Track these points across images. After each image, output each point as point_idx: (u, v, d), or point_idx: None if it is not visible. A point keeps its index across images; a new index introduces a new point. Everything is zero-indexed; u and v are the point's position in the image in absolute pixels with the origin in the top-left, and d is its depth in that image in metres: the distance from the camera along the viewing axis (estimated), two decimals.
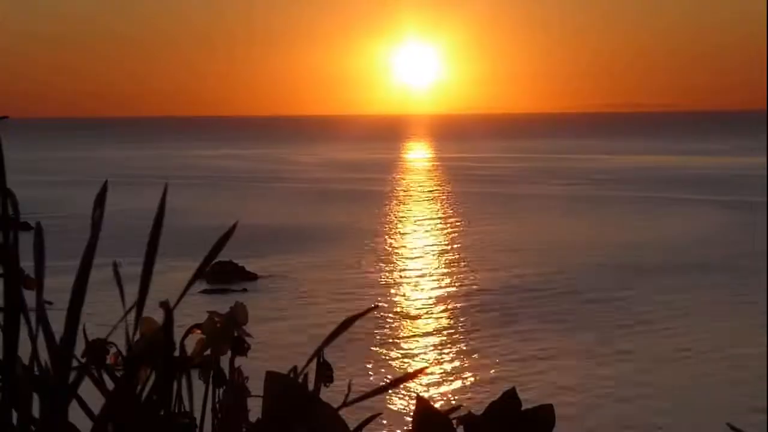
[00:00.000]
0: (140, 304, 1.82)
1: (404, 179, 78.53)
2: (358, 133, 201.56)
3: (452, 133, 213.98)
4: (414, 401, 2.32)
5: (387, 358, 22.69)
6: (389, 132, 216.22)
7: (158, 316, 1.96)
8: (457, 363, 22.42)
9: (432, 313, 27.57)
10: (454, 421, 2.36)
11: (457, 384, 20.89)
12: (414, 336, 25.05)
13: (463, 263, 35.83)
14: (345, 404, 2.05)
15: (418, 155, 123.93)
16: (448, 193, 66.38)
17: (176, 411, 2.09)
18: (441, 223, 49.09)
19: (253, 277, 32.10)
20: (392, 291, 30.57)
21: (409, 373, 1.87)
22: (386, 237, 43.01)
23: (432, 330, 25.72)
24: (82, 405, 1.89)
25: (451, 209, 55.34)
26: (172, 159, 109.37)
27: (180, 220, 43.46)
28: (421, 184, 73.92)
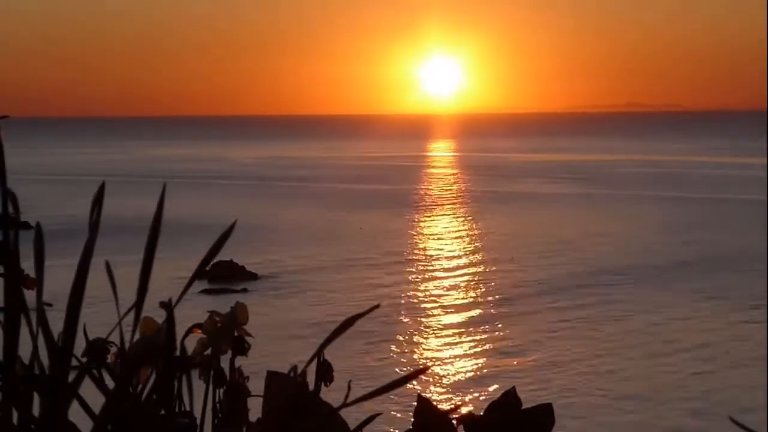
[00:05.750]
0: (139, 303, 1.81)
1: (407, 179, 78.49)
2: (385, 133, 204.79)
3: (460, 132, 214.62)
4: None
5: (386, 356, 22.69)
6: (410, 131, 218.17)
7: (158, 316, 1.95)
8: (457, 361, 22.44)
9: (432, 313, 27.57)
10: (454, 421, 2.36)
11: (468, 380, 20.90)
12: (414, 335, 25.06)
13: (466, 261, 35.84)
14: (345, 404, 2.05)
15: (429, 154, 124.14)
16: (450, 194, 66.39)
17: (176, 411, 2.09)
18: (442, 223, 49.10)
19: (253, 276, 32.07)
20: (393, 291, 30.54)
21: (410, 373, 1.86)
22: (387, 237, 42.98)
23: (432, 330, 25.72)
24: (83, 404, 1.89)
25: (453, 209, 55.33)
26: (229, 159, 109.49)
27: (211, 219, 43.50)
28: (428, 184, 73.91)
